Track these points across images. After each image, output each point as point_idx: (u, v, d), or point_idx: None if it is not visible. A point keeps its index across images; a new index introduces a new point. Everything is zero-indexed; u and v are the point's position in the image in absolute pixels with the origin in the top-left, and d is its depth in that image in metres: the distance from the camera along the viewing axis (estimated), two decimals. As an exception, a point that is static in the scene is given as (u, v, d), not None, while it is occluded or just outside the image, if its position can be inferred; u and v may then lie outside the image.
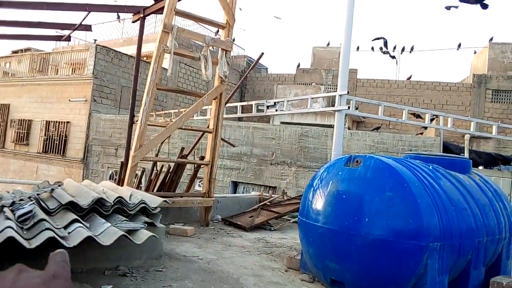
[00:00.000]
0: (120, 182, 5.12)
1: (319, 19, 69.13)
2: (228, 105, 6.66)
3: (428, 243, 3.03)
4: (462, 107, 18.18)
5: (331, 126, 15.15)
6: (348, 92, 4.84)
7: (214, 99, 5.38)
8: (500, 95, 17.80)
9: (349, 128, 15.50)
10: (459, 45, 20.95)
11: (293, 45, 62.60)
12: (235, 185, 12.14)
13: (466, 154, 8.61)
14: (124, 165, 5.53)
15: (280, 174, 11.78)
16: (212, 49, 5.34)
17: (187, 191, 5.88)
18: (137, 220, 3.46)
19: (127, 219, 3.35)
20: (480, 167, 12.04)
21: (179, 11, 5.10)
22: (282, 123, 15.91)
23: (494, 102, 17.80)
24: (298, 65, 22.21)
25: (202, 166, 5.61)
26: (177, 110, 9.66)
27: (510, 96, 17.69)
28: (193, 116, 7.63)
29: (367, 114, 6.64)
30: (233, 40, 5.75)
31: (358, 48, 21.81)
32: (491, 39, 19.45)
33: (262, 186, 11.69)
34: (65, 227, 2.97)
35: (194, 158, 6.32)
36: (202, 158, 5.55)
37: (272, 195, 6.73)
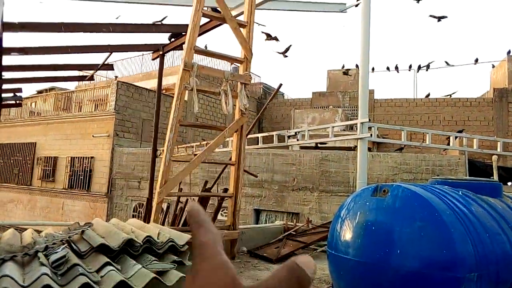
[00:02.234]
0: (146, 219, 5.18)
1: (333, 43, 69.81)
2: (248, 136, 6.73)
3: (464, 274, 2.93)
4: (485, 122, 17.80)
5: (351, 148, 15.02)
6: (369, 120, 4.84)
7: (235, 131, 5.45)
8: (523, 108, 17.40)
9: (370, 150, 15.34)
10: (476, 60, 20.75)
11: (308, 69, 63.14)
12: (258, 213, 12.07)
13: (495, 177, 8.38)
14: (149, 201, 5.60)
15: (302, 200, 11.68)
16: (232, 83, 5.46)
17: (212, 224, 5.88)
18: (166, 259, 3.47)
19: (156, 259, 3.37)
20: (509, 183, 11.67)
21: (198, 49, 5.26)
22: (302, 148, 15.89)
23: (518, 115, 17.39)
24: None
25: (225, 198, 5.64)
26: (198, 143, 9.80)
27: (534, 108, 17.27)
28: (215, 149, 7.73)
29: (390, 140, 6.60)
30: (250, 67, 5.87)
31: (373, 69, 21.83)
32: (509, 52, 19.20)
33: (284, 213, 11.60)
34: (97, 271, 3.01)
35: (217, 190, 6.35)
36: (226, 190, 5.58)
37: (297, 224, 6.67)
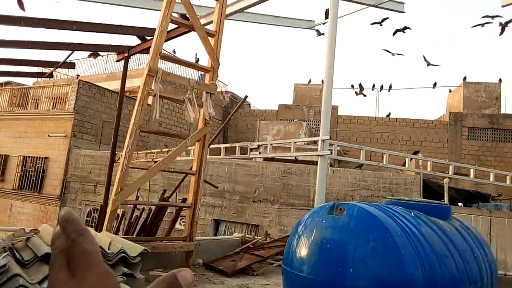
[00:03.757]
0: (98, 226, 4.98)
1: (301, 57, 71.18)
2: (211, 146, 6.67)
3: (413, 295, 3.01)
4: (440, 144, 18.66)
5: (313, 162, 15.23)
6: (330, 137, 4.93)
7: (198, 141, 5.38)
8: (476, 133, 18.40)
9: (331, 165, 15.63)
10: (435, 84, 21.79)
11: (276, 81, 63.94)
12: (217, 223, 11.95)
13: (446, 199, 8.79)
14: (103, 207, 5.40)
15: (263, 211, 11.68)
16: (197, 92, 5.39)
17: (168, 234, 5.74)
18: (116, 271, 3.34)
19: (105, 271, 3.23)
20: (460, 204, 12.24)
21: (164, 55, 5.17)
22: (265, 159, 15.97)
23: (471, 139, 18.36)
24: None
25: (184, 208, 5.53)
26: (159, 150, 9.59)
27: (485, 133, 18.31)
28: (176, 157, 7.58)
29: (349, 159, 6.75)
30: (217, 77, 5.84)
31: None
32: (465, 78, 20.32)
33: (244, 224, 11.55)
34: (40, 282, 2.84)
35: (176, 199, 6.22)
36: (184, 200, 5.48)
37: (255, 237, 6.64)
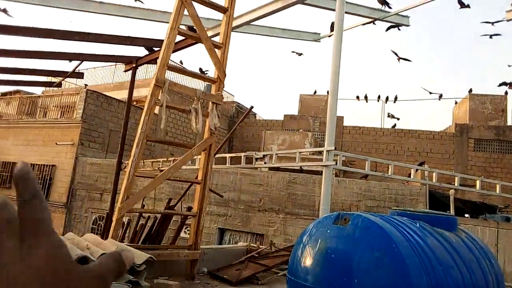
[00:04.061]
0: (104, 234, 5.01)
1: (307, 68, 71.51)
2: (217, 155, 6.72)
3: (418, 306, 3.00)
4: (446, 155, 18.57)
5: (319, 172, 15.22)
6: (335, 148, 4.95)
7: (203, 150, 5.42)
8: (482, 144, 18.30)
9: (336, 175, 15.60)
10: (441, 96, 21.79)
11: (281, 92, 64.23)
12: (222, 232, 11.94)
13: (452, 210, 8.73)
14: (109, 215, 5.44)
15: (268, 221, 11.66)
16: (203, 102, 5.46)
17: (173, 243, 5.76)
18: (122, 279, 3.36)
19: (111, 278, 3.25)
20: (466, 215, 12.14)
21: (171, 66, 5.25)
22: (270, 169, 15.98)
23: (477, 151, 18.26)
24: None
25: (189, 216, 5.55)
26: (165, 159, 9.66)
27: (491, 145, 18.21)
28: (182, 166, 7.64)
29: (354, 169, 6.76)
30: (223, 87, 5.91)
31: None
32: (471, 90, 20.29)
33: (249, 234, 11.53)
34: None
35: (181, 207, 6.25)
36: (190, 208, 5.50)
37: (260, 246, 6.63)
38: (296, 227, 11.35)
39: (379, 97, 22.70)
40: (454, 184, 5.69)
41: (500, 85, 15.08)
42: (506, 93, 19.90)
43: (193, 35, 5.63)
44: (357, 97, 22.99)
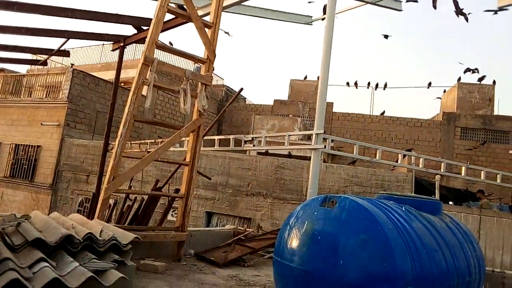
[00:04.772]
0: (90, 214, 4.96)
1: (298, 53, 71.12)
2: (205, 137, 6.66)
3: (401, 287, 3.04)
4: (433, 143, 18.80)
5: (307, 158, 15.30)
6: (324, 132, 4.94)
7: (192, 132, 5.37)
8: (468, 133, 18.56)
9: (324, 161, 15.69)
10: (429, 84, 21.91)
11: (272, 76, 63.88)
12: (209, 215, 11.96)
13: (437, 195, 8.87)
14: (95, 196, 5.38)
15: (256, 205, 11.71)
16: (192, 83, 5.38)
17: (160, 225, 5.74)
18: (107, 258, 3.33)
19: (96, 257, 3.22)
20: (450, 203, 12.36)
21: (160, 44, 5.14)
22: (259, 153, 15.99)
23: (463, 139, 18.52)
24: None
25: (176, 198, 5.52)
26: (153, 140, 9.55)
27: (477, 134, 18.47)
28: (170, 148, 7.58)
29: (342, 153, 6.79)
30: (213, 69, 5.83)
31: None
32: (459, 79, 20.45)
33: (236, 217, 11.58)
34: (30, 267, 2.83)
35: (169, 189, 6.22)
36: (177, 190, 5.47)
37: (247, 229, 6.66)
38: (283, 212, 11.43)
39: (369, 83, 22.75)
40: (440, 171, 5.78)
41: (465, 71, 15.07)
42: (494, 82, 20.12)
43: (183, 13, 5.51)
44: (347, 83, 22.99)
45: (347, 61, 59.43)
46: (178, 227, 5.10)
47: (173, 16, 6.06)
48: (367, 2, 7.83)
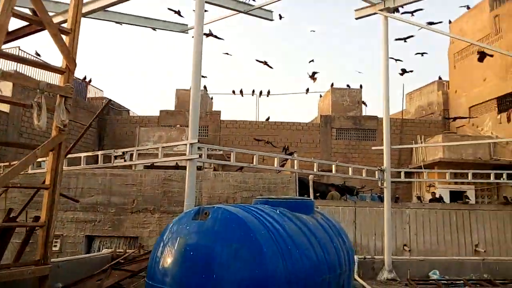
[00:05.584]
0: None
1: (182, 62, 70.61)
2: (86, 154, 6.04)
3: (274, 290, 3.04)
4: (313, 144, 20.19)
5: (198, 168, 15.08)
6: (198, 141, 4.82)
7: (51, 150, 4.76)
8: (342, 133, 20.38)
9: (215, 169, 15.67)
10: (307, 90, 23.62)
11: (157, 87, 62.04)
12: (90, 239, 10.92)
13: (311, 194, 9.43)
14: None
15: (142, 222, 11.08)
16: (49, 95, 4.78)
17: (16, 260, 4.95)
18: None
19: None
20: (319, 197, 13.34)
21: (4, 53, 4.46)
22: (146, 167, 15.25)
23: (338, 139, 20.27)
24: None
25: (37, 228, 4.83)
26: (7, 163, 8.33)
27: (350, 133, 20.40)
28: (28, 170, 6.67)
29: (219, 161, 6.78)
30: (90, 81, 5.29)
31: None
32: (332, 84, 22.42)
33: (122, 238, 10.79)
34: None
35: (26, 218, 5.43)
36: (37, 218, 4.79)
37: (127, 251, 6.18)
38: (173, 225, 11.02)
39: (253, 91, 23.56)
40: (313, 170, 6.18)
41: (402, 73, 16.71)
42: (361, 86, 22.49)
43: (32, 18, 4.88)
44: (233, 92, 23.48)
45: (234, 69, 60.95)
46: (39, 260, 4.45)
47: (27, 23, 5.35)
48: (239, 11, 7.99)
